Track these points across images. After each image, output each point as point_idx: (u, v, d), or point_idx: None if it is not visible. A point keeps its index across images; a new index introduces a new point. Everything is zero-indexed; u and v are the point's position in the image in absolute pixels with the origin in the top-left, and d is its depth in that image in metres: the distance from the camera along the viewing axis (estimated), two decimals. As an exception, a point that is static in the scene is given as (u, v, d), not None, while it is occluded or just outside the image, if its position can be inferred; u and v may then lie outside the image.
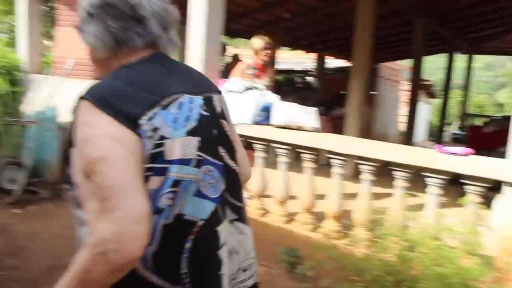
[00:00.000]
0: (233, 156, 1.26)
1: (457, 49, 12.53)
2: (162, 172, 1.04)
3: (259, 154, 3.95)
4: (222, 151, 1.20)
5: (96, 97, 1.04)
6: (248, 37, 11.73)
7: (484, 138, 9.17)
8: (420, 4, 8.20)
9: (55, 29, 11.05)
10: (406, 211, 3.17)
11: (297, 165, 4.11)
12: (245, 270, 1.28)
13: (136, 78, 1.11)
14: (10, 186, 5.31)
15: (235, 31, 10.42)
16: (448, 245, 2.81)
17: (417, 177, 3.22)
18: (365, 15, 6.73)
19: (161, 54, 1.21)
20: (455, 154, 3.00)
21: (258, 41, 4.75)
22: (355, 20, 7.01)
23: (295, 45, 12.80)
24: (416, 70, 9.58)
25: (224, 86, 4.09)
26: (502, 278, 2.70)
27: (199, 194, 1.10)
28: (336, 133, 4.30)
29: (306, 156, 3.66)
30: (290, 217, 3.91)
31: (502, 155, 3.15)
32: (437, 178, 3.01)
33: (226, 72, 4.84)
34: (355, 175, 5.96)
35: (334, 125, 7.61)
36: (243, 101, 3.85)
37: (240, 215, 1.26)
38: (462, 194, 2.92)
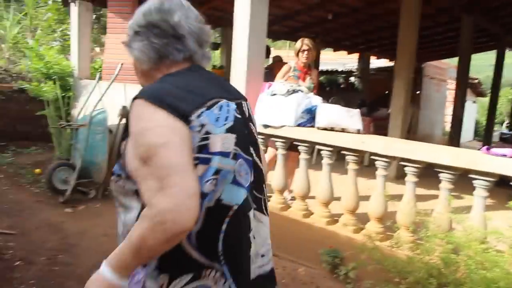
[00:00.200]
0: (258, 154, 1.43)
1: (507, 45, 12.06)
2: (207, 161, 1.23)
3: (303, 156, 3.99)
4: (251, 148, 1.39)
5: (151, 96, 1.22)
6: (290, 39, 11.84)
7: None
8: (467, 1, 7.98)
9: (104, 36, 11.50)
10: (451, 213, 3.14)
11: (339, 166, 4.14)
12: (262, 256, 1.42)
13: (182, 83, 1.29)
14: (62, 186, 5.59)
15: (277, 33, 10.48)
16: (495, 249, 2.76)
17: (463, 179, 3.18)
18: (409, 14, 6.64)
19: (197, 66, 1.40)
20: (504, 156, 2.95)
21: (297, 44, 4.81)
22: (399, 20, 6.92)
23: (337, 46, 12.71)
24: (463, 68, 9.30)
25: (268, 89, 4.16)
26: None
27: (235, 183, 1.29)
28: (379, 134, 4.28)
29: (349, 157, 3.68)
30: (333, 218, 3.93)
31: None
32: (483, 180, 2.97)
33: (268, 75, 4.91)
34: (396, 177, 5.93)
35: (378, 125, 7.52)
36: (286, 104, 3.91)
37: (259, 205, 1.41)
38: (510, 196, 2.86)
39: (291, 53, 8.21)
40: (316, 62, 12.11)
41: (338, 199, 3.96)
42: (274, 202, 4.24)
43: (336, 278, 3.67)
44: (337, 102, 7.64)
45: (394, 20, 8.45)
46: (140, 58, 1.38)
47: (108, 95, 5.85)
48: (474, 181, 3.03)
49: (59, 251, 4.07)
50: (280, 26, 9.79)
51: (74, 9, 6.93)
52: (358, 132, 3.71)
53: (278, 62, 7.00)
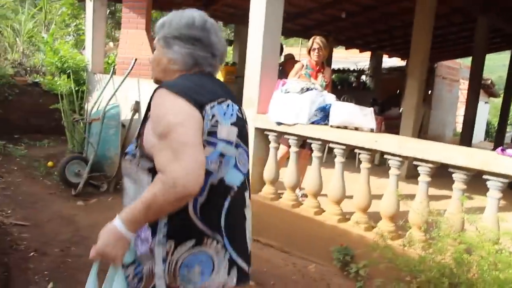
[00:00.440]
0: (248, 150, 1.71)
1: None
2: (214, 145, 1.47)
3: (315, 154, 4.00)
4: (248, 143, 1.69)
5: (174, 88, 1.46)
6: (303, 36, 11.83)
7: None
8: (482, 1, 7.92)
9: (117, 31, 11.56)
10: (464, 213, 3.13)
11: (349, 165, 4.13)
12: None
13: (199, 82, 1.55)
14: (74, 179, 5.65)
15: (289, 30, 10.47)
16: (508, 250, 2.75)
17: (475, 179, 3.17)
18: (423, 13, 6.60)
19: (209, 73, 1.66)
20: (520, 157, 2.93)
21: (309, 42, 4.82)
22: (412, 19, 6.88)
23: (349, 44, 12.68)
24: (477, 68, 9.23)
25: (282, 86, 4.17)
26: None
27: (236, 167, 1.56)
28: (391, 133, 4.26)
29: (362, 156, 3.68)
30: (345, 216, 3.93)
31: None
32: (497, 181, 2.96)
33: (280, 72, 4.92)
34: (407, 176, 5.91)
35: (389, 125, 7.50)
36: (300, 101, 3.91)
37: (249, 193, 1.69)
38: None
39: (303, 50, 8.19)
40: (328, 60, 12.08)
41: (349, 197, 3.97)
42: (286, 199, 4.26)
43: (346, 276, 3.68)
44: (349, 101, 7.64)
45: (408, 19, 8.42)
46: (177, 60, 1.60)
47: (122, 89, 5.89)
48: (487, 182, 3.02)
49: (72, 243, 4.12)
50: (293, 24, 9.78)
51: (89, 4, 6.97)
52: (372, 131, 3.70)
53: (290, 60, 7.01)
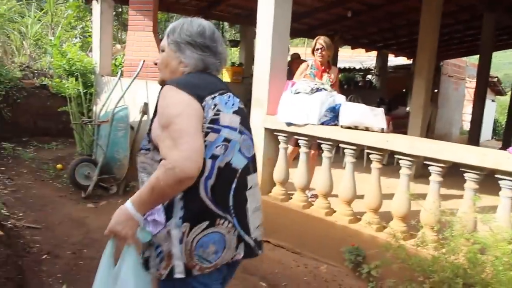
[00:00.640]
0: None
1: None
2: (217, 131, 1.62)
3: (325, 154, 4.00)
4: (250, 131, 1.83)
5: (177, 83, 1.63)
6: (308, 36, 11.81)
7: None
8: (489, -2, 7.88)
9: (123, 33, 11.58)
10: (476, 213, 3.12)
11: (358, 164, 4.12)
12: (258, 227, 1.81)
13: (201, 77, 1.73)
14: (84, 182, 5.67)
15: (295, 30, 10.44)
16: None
17: (488, 179, 3.16)
18: (430, 12, 6.56)
19: (210, 72, 1.81)
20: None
21: (313, 42, 4.82)
22: (418, 18, 6.86)
23: (355, 43, 12.64)
24: (484, 66, 9.19)
25: (292, 87, 4.16)
26: None
27: (241, 152, 1.70)
28: (399, 133, 4.24)
29: (373, 156, 3.67)
30: (356, 216, 3.93)
31: None
32: (510, 180, 2.94)
33: (286, 72, 4.91)
34: (415, 176, 5.88)
35: (397, 124, 7.47)
36: (310, 102, 3.90)
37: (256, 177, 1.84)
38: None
39: (308, 50, 8.16)
40: (334, 59, 12.07)
41: (358, 197, 3.96)
42: (296, 200, 4.25)
43: (358, 276, 3.67)
44: (356, 100, 7.63)
45: (414, 18, 8.39)
46: (189, 63, 1.76)
47: (130, 91, 5.91)
48: (500, 182, 3.01)
49: (83, 245, 4.13)
50: (298, 23, 9.76)
51: (96, 6, 6.99)
52: (382, 131, 3.69)
53: (296, 60, 7.02)
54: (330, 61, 4.98)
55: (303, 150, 4.16)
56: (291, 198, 4.34)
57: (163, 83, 1.73)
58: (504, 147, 5.00)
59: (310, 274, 3.81)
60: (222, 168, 1.62)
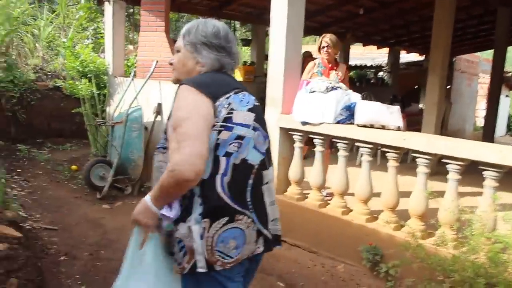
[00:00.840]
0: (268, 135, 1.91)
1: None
2: (230, 129, 1.67)
3: (341, 153, 3.97)
4: (266, 128, 1.87)
5: (193, 82, 1.69)
6: (320, 34, 11.68)
7: None
8: (503, -8, 7.78)
9: (135, 33, 11.62)
10: (496, 211, 3.08)
11: (373, 162, 4.08)
12: (273, 220, 1.84)
13: (216, 77, 1.79)
14: (99, 182, 5.70)
15: (307, 28, 10.40)
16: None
17: (507, 176, 3.12)
18: (444, 8, 6.49)
19: (226, 72, 1.87)
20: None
21: (319, 40, 4.80)
22: (431, 13, 6.78)
23: (367, 40, 12.55)
24: (498, 61, 9.06)
25: (306, 86, 4.14)
26: None
27: (256, 148, 1.74)
28: (413, 130, 4.18)
29: (389, 155, 3.64)
30: (372, 215, 3.90)
31: None
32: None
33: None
34: (431, 172, 5.83)
35: (410, 121, 7.41)
36: (326, 101, 3.88)
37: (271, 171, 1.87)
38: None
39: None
40: (345, 57, 12.01)
41: (374, 195, 3.93)
42: (312, 199, 4.24)
43: (376, 276, 3.65)
44: (368, 98, 7.57)
45: (426, 14, 8.31)
46: (206, 63, 1.81)
47: (143, 92, 5.92)
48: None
49: (101, 246, 4.15)
50: (310, 21, 9.72)
51: (108, 7, 7.01)
52: (399, 129, 3.65)
53: (308, 58, 6.96)
54: (337, 59, 4.96)
55: (318, 149, 4.14)
56: (307, 197, 4.32)
57: (178, 82, 1.82)
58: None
59: (327, 273, 3.79)
60: (238, 164, 1.66)
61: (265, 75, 11.00)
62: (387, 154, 3.66)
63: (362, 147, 3.80)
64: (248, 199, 1.69)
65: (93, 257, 3.89)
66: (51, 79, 8.32)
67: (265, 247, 1.77)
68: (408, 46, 13.45)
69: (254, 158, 1.72)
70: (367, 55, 15.74)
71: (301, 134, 4.20)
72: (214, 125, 1.65)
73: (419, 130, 6.77)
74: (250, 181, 1.70)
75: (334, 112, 3.82)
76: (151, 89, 5.96)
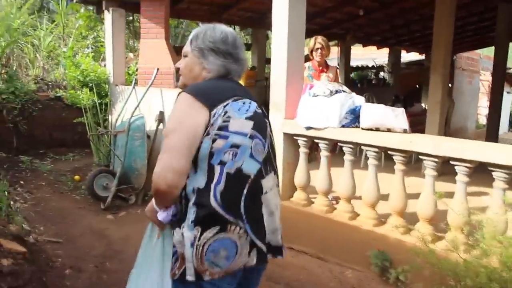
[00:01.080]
0: (272, 143, 1.88)
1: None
2: (225, 137, 1.65)
3: (347, 157, 3.92)
4: (270, 134, 1.87)
5: (192, 90, 1.72)
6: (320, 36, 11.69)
7: None
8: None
9: (135, 41, 11.60)
10: (508, 213, 3.02)
11: (380, 165, 4.04)
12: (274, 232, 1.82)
13: (220, 85, 1.80)
14: (102, 193, 5.65)
15: (307, 30, 10.37)
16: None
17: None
18: (444, 6, 6.47)
19: (232, 78, 1.88)
20: None
21: (311, 42, 4.78)
22: (431, 12, 6.75)
23: (367, 41, 12.53)
24: (500, 58, 9.01)
25: (310, 90, 4.10)
26: None
27: (252, 157, 1.70)
28: (416, 130, 4.12)
29: (396, 158, 3.58)
30: (380, 219, 3.85)
31: None
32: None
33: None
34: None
35: (413, 121, 7.36)
36: (330, 105, 3.83)
37: (278, 184, 1.87)
38: None
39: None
40: (346, 58, 11.98)
41: (383, 199, 3.88)
42: (318, 205, 4.18)
43: (386, 281, 3.59)
44: (370, 99, 7.53)
45: (427, 13, 8.28)
46: (212, 69, 1.83)
47: (145, 100, 5.89)
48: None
49: (106, 258, 4.11)
50: (310, 23, 9.69)
51: (107, 16, 6.99)
52: (405, 131, 3.60)
53: (307, 61, 6.93)
54: (326, 61, 4.99)
55: (324, 153, 4.09)
56: (313, 202, 4.27)
57: (184, 87, 1.84)
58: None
59: (335, 279, 3.74)
60: (233, 174, 1.65)
61: (266, 79, 11.07)
62: (394, 158, 3.61)
63: (368, 150, 3.75)
64: (242, 210, 1.66)
65: (99, 269, 3.85)
66: (52, 89, 8.28)
67: (259, 260, 1.73)
68: (408, 46, 13.43)
69: (250, 168, 1.69)
70: (367, 55, 15.72)
71: (305, 139, 4.15)
72: (208, 134, 1.65)
73: (422, 130, 6.74)
74: (245, 191, 1.67)
75: (339, 116, 3.77)
76: (153, 96, 5.92)
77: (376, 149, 3.69)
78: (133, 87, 6.25)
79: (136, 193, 5.74)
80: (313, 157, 5.45)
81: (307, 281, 3.73)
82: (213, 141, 1.64)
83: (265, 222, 1.74)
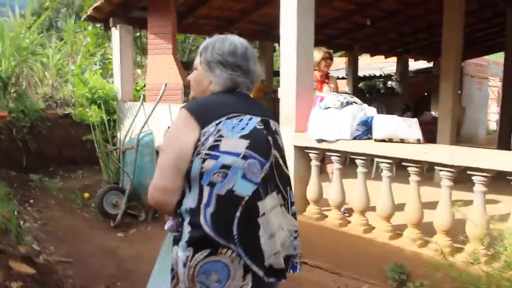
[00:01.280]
0: (284, 160, 1.81)
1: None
2: (215, 158, 1.59)
3: (360, 170, 3.85)
4: (276, 153, 1.75)
5: (190, 107, 1.70)
6: (326, 46, 11.69)
7: None
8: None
9: (143, 57, 11.65)
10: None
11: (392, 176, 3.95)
12: (292, 241, 1.78)
13: (220, 101, 1.74)
14: (112, 210, 5.61)
15: (314, 41, 10.39)
16: None
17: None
18: (453, 12, 6.41)
19: (240, 91, 1.81)
20: None
21: (316, 53, 4.74)
22: (439, 19, 6.70)
23: (375, 50, 12.50)
24: (510, 63, 8.90)
25: (320, 102, 4.05)
26: None
27: (245, 178, 1.60)
28: (427, 139, 4.03)
29: (410, 169, 3.50)
30: (396, 232, 3.75)
31: None
32: None
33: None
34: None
35: (424, 130, 7.27)
36: (341, 117, 3.77)
37: (286, 202, 1.78)
38: None
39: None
40: (354, 68, 11.95)
41: (398, 211, 3.80)
42: (332, 218, 4.10)
43: (404, 296, 3.49)
44: (380, 109, 7.45)
45: (435, 20, 8.22)
46: (219, 83, 1.77)
47: (154, 116, 5.86)
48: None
49: (117, 278, 4.04)
50: (317, 34, 9.68)
51: (115, 33, 7.02)
52: (418, 141, 3.53)
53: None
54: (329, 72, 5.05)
55: (336, 166, 4.02)
56: (326, 216, 4.19)
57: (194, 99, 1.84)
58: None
59: (352, 295, 3.65)
60: (223, 195, 1.58)
61: (275, 91, 11.03)
62: (408, 169, 3.53)
63: (381, 162, 3.67)
64: (235, 232, 1.58)
65: (110, 290, 3.79)
66: (61, 107, 8.31)
67: (255, 284, 1.64)
68: (416, 54, 13.36)
69: (243, 189, 1.59)
70: (375, 64, 15.68)
71: (317, 152, 4.09)
72: (199, 153, 1.61)
73: (433, 139, 6.63)
74: (238, 214, 1.58)
75: (351, 127, 3.70)
76: (161, 112, 5.90)
77: (390, 161, 3.61)
78: (141, 103, 6.23)
79: (146, 210, 5.69)
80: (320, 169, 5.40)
81: (323, 297, 3.64)
82: (204, 161, 1.59)
83: (263, 245, 1.64)
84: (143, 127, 5.78)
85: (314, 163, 4.15)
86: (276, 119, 1.87)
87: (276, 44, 11.32)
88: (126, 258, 4.48)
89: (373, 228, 3.87)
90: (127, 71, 7.14)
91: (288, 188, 1.82)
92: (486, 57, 15.56)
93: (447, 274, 2.89)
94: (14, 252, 3.51)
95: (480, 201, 3.16)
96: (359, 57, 12.57)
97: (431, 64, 14.13)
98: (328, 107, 3.87)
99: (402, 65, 13.95)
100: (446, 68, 6.75)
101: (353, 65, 11.91)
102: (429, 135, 6.72)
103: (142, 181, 5.65)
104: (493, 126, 16.62)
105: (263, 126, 1.72)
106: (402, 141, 3.55)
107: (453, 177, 3.31)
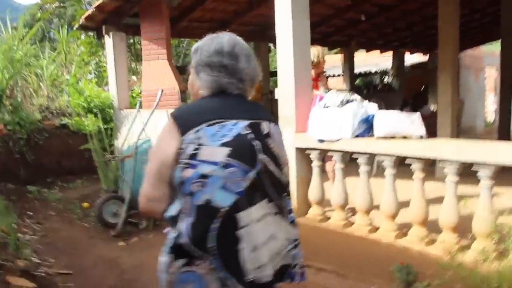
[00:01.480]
0: (277, 163, 1.67)
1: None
2: (194, 167, 1.53)
3: (362, 169, 3.77)
4: (265, 158, 1.62)
5: (175, 114, 1.66)
6: (321, 45, 11.64)
7: None
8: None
9: (137, 63, 11.60)
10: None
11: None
12: (289, 250, 1.69)
13: (204, 106, 1.67)
14: (112, 219, 5.53)
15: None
16: None
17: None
18: (447, 4, 6.36)
19: (231, 93, 1.70)
20: None
21: (318, 51, 4.71)
22: (434, 12, 6.65)
23: (370, 46, 12.44)
24: (507, 52, 8.83)
25: (320, 101, 3.98)
26: None
27: (225, 188, 1.52)
28: (428, 134, 3.97)
29: (414, 166, 3.43)
30: (401, 231, 3.68)
31: None
32: None
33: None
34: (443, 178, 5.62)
35: (424, 124, 7.21)
36: (342, 115, 3.70)
37: (281, 211, 1.67)
38: None
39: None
40: (350, 65, 11.90)
41: (402, 209, 3.72)
42: (336, 220, 4.03)
43: (412, 296, 3.42)
44: (379, 105, 7.38)
45: (430, 13, 8.17)
46: (204, 86, 1.70)
47: (151, 122, 5.79)
48: None
49: (119, 288, 3.98)
50: (312, 32, 9.63)
51: (108, 41, 6.94)
52: (421, 137, 3.45)
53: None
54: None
55: (338, 166, 3.95)
56: (329, 217, 4.12)
57: None
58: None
59: (359, 296, 3.58)
60: (201, 206, 1.53)
61: (271, 92, 10.96)
62: (412, 166, 3.45)
63: (384, 160, 3.60)
64: (212, 245, 1.52)
65: (112, 301, 3.72)
66: (57, 117, 8.24)
67: None
68: (411, 47, 13.32)
69: (221, 200, 1.52)
70: (370, 60, 15.62)
71: (318, 152, 4.02)
72: (180, 162, 1.56)
73: (433, 133, 6.56)
74: (215, 225, 1.51)
75: (352, 126, 3.62)
76: (159, 118, 5.82)
77: (394, 158, 3.53)
78: (138, 110, 6.15)
79: (146, 218, 5.61)
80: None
81: (330, 300, 3.58)
82: (183, 169, 1.55)
83: (244, 259, 1.55)
84: (140, 134, 5.70)
85: (316, 163, 4.08)
86: (275, 120, 1.79)
87: (271, 45, 11.25)
88: (127, 267, 4.41)
89: (378, 228, 3.81)
90: (122, 79, 7.07)
91: (284, 194, 1.72)
92: (481, 47, 15.51)
93: (457, 273, 2.83)
94: (13, 266, 3.45)
95: (487, 196, 3.08)
96: (356, 54, 12.52)
97: (426, 59, 14.09)
98: (327, 106, 3.80)
99: (398, 60, 13.90)
100: (444, 61, 6.70)
101: (349, 62, 11.85)
102: (429, 129, 6.67)
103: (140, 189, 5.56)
104: (491, 117, 16.59)
105: (249, 131, 1.62)
106: (404, 137, 3.47)
107: (458, 172, 3.24)
